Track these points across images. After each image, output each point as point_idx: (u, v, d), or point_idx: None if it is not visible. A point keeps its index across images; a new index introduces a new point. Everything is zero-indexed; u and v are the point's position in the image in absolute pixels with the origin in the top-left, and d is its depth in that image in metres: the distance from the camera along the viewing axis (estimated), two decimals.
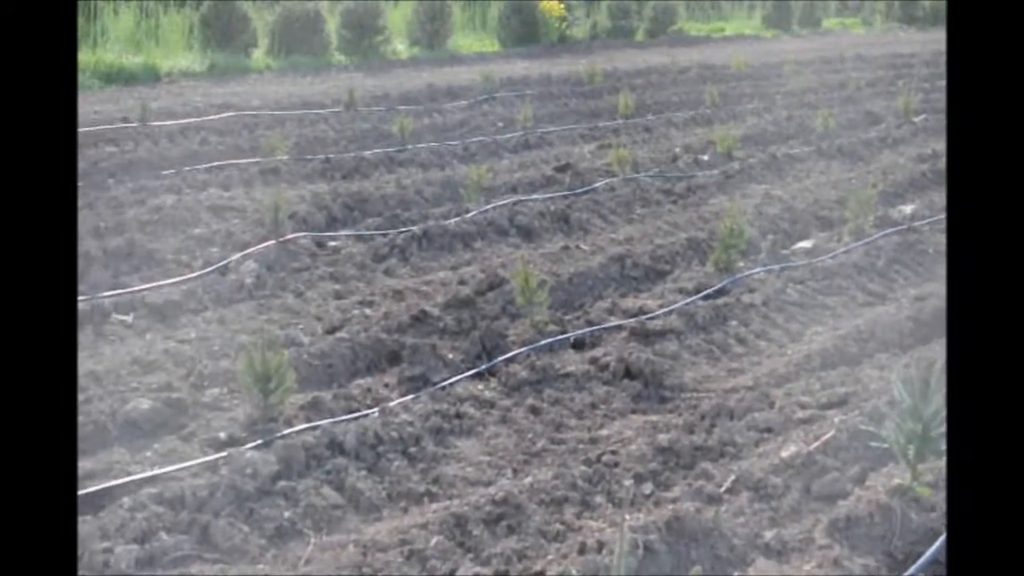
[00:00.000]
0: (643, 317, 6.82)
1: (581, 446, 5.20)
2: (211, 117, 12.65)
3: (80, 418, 5.01)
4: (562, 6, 25.66)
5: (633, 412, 5.65)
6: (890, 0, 40.38)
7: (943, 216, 9.28)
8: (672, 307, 7.00)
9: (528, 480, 4.74)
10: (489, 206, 9.23)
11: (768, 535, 4.33)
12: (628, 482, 4.76)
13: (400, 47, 22.08)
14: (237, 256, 7.67)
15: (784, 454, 4.90)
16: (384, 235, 8.44)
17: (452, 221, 8.75)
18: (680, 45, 26.31)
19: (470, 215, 8.96)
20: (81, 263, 7.29)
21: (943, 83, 17.30)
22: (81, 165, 10.06)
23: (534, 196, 9.78)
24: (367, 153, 11.35)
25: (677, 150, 12.33)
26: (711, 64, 20.63)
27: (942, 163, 11.58)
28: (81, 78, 15.79)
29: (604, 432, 5.37)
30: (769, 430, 5.28)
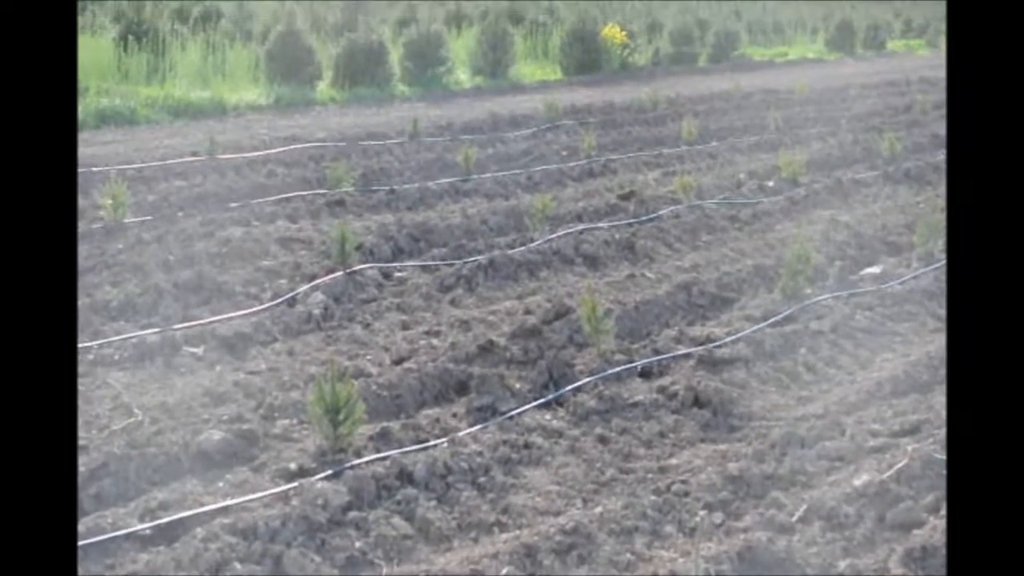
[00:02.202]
0: (711, 345, 6.79)
1: (650, 475, 5.18)
2: (277, 150, 12.77)
3: (153, 450, 5.08)
4: (624, 33, 25.69)
5: (702, 441, 5.62)
6: None
7: None
8: (740, 335, 6.96)
9: (598, 510, 4.73)
10: (554, 235, 9.24)
11: (842, 565, 4.29)
12: (702, 512, 4.73)
13: (463, 76, 22.20)
14: (305, 288, 7.74)
15: (856, 483, 4.85)
16: (450, 265, 8.47)
17: (517, 250, 8.77)
18: (743, 70, 26.25)
19: (535, 244, 8.98)
20: (151, 296, 7.39)
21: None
22: (150, 198, 10.21)
23: (599, 224, 9.78)
24: (432, 183, 11.41)
25: (742, 176, 12.27)
26: (775, 89, 20.55)
27: None
28: (150, 112, 16.04)
29: (673, 461, 5.34)
30: (841, 459, 5.24)
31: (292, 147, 12.95)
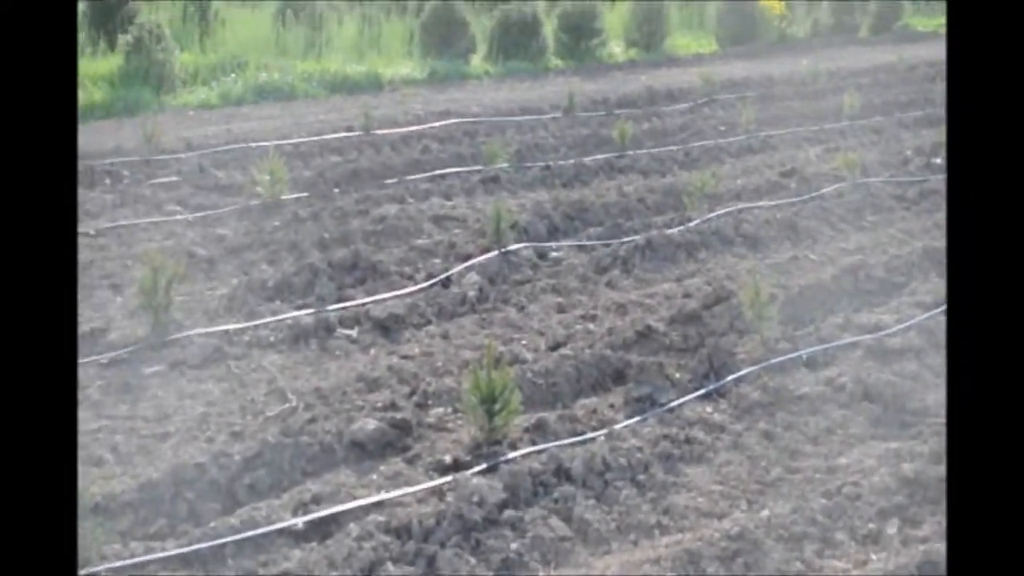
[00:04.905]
0: (880, 334, 6.48)
1: (819, 476, 4.93)
2: (432, 125, 12.69)
3: (306, 438, 5.02)
4: (782, 4, 25.07)
5: (873, 438, 5.34)
6: None
7: None
8: (911, 322, 6.64)
9: (764, 513, 4.51)
10: (713, 214, 8.98)
11: None
12: (877, 518, 4.46)
13: (616, 50, 21.88)
14: (460, 268, 7.63)
15: None
16: (606, 245, 8.28)
17: (675, 230, 8.54)
18: (906, 41, 25.37)
19: (693, 223, 8.73)
20: (307, 275, 7.36)
21: None
22: (307, 175, 10.23)
23: (759, 203, 9.48)
24: (587, 159, 11.21)
25: (908, 152, 11.80)
26: (940, 61, 19.76)
27: None
28: (307, 87, 16.13)
29: (843, 460, 5.08)
30: None
31: (446, 122, 12.86)
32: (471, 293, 7.22)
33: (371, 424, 5.15)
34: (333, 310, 6.84)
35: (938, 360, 6.22)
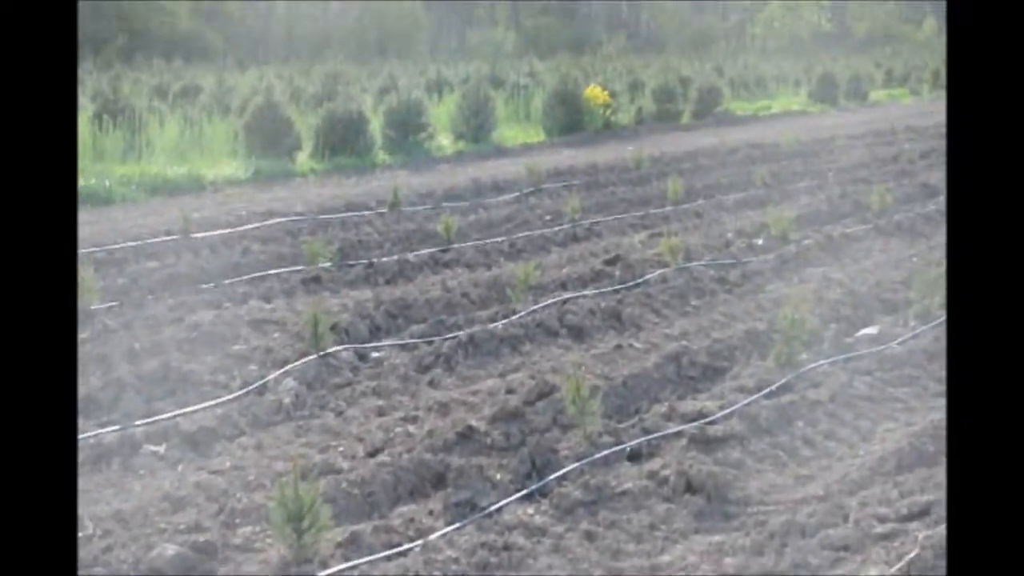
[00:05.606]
0: (702, 422, 6.41)
1: None
2: (253, 225, 12.45)
3: (100, 569, 4.68)
4: (606, 93, 25.49)
5: (696, 532, 5.22)
6: (936, 68, 40.17)
7: None
8: (733, 408, 6.60)
9: None
10: (537, 306, 8.89)
11: None
12: None
13: (444, 142, 21.95)
14: (276, 374, 7.36)
15: None
16: (429, 343, 8.10)
17: (499, 324, 8.41)
18: (727, 125, 26.07)
19: (517, 316, 8.62)
20: (114, 390, 7.01)
21: None
22: (120, 282, 9.86)
23: (584, 292, 9.44)
24: (411, 255, 11.07)
25: (730, 235, 11.95)
26: (760, 143, 20.31)
27: None
28: (125, 191, 15.72)
29: (666, 558, 4.94)
30: (846, 548, 4.85)
31: (269, 222, 12.63)
32: (287, 400, 6.96)
33: (171, 549, 4.84)
34: (140, 425, 6.50)
35: (760, 446, 6.18)
